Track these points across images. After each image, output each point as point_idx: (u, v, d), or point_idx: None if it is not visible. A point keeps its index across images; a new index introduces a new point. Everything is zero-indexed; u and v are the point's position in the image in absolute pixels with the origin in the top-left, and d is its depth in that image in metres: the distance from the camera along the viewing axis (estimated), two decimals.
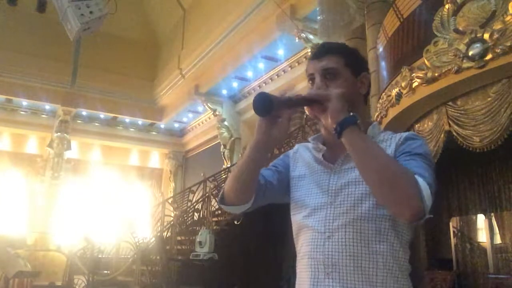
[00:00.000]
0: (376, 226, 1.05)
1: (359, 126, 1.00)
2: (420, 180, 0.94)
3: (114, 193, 13.94)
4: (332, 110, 1.03)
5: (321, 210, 1.12)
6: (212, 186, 8.46)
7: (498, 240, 6.38)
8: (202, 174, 9.20)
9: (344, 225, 1.07)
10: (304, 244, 1.15)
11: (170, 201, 10.07)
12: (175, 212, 9.02)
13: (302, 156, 1.25)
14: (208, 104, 12.12)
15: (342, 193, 1.09)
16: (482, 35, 3.56)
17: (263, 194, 1.19)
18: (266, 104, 0.99)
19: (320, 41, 7.83)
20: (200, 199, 8.21)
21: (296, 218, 1.19)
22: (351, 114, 1.01)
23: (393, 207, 0.97)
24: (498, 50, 3.42)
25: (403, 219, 0.98)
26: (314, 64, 1.18)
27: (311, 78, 1.18)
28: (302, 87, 8.59)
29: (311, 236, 1.12)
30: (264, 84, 10.98)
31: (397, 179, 0.94)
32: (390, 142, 1.11)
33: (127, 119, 14.60)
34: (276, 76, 10.43)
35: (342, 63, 1.15)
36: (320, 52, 1.19)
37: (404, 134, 1.11)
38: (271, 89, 10.60)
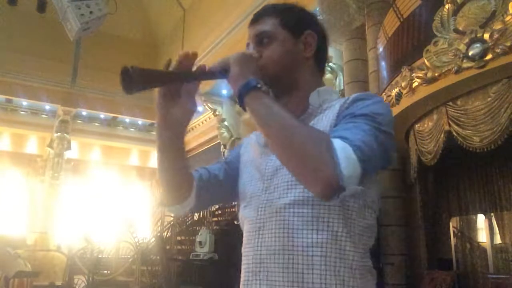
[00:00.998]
0: (313, 211, 0.83)
1: (262, 90, 0.82)
2: (338, 143, 0.74)
3: (114, 193, 13.94)
4: (230, 78, 0.86)
5: (257, 197, 0.94)
6: None
7: (498, 240, 6.37)
8: None
9: (275, 213, 0.88)
10: (243, 240, 0.96)
11: None
12: None
13: (251, 141, 1.06)
14: (208, 104, 12.12)
15: (277, 176, 0.90)
16: (482, 35, 3.56)
17: (207, 189, 1.02)
18: (132, 77, 0.79)
19: None
20: None
21: (240, 210, 1.01)
22: (250, 78, 0.83)
23: (302, 181, 0.77)
24: (498, 50, 3.43)
25: (317, 195, 0.77)
26: (249, 32, 1.01)
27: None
28: None
29: (247, 229, 0.95)
30: None
31: (300, 145, 0.74)
32: (333, 108, 0.91)
33: (127, 119, 14.61)
34: None
35: (277, 23, 0.97)
36: (255, 16, 1.01)
37: (353, 95, 0.90)
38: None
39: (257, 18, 1.00)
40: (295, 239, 0.84)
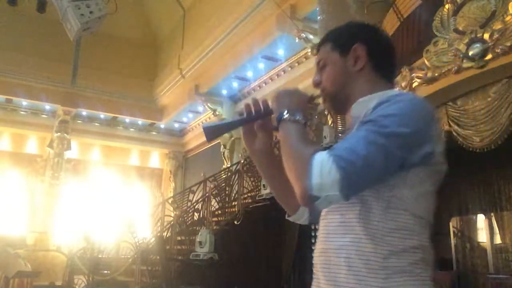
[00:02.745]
0: (341, 217, 0.94)
1: (287, 120, 0.95)
2: (319, 155, 0.83)
3: (114, 193, 13.93)
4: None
5: None
6: (212, 186, 8.46)
7: (498, 240, 6.37)
8: (202, 174, 9.20)
9: (321, 219, 1.02)
10: None
11: (170, 201, 10.07)
12: (175, 212, 9.03)
13: None
14: (208, 104, 12.12)
15: None
16: (482, 35, 3.56)
17: None
18: (212, 133, 1.05)
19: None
20: (200, 199, 8.20)
21: None
22: (280, 112, 0.97)
23: None
24: (498, 50, 3.43)
25: (300, 204, 0.89)
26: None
27: None
28: (303, 87, 8.58)
29: None
30: (264, 84, 10.98)
31: (290, 165, 0.88)
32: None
33: (127, 119, 14.60)
34: (276, 76, 10.43)
35: (329, 48, 1.09)
36: (317, 47, 1.17)
37: (381, 98, 0.93)
38: (271, 89, 10.60)
39: (318, 49, 1.14)
40: (328, 243, 0.96)
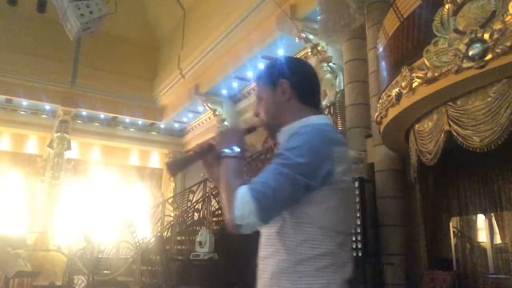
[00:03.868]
0: (267, 232, 1.15)
1: (226, 156, 1.14)
2: (241, 189, 1.00)
3: (114, 193, 13.93)
4: None
5: None
6: (212, 186, 8.46)
7: (498, 240, 6.37)
8: (202, 174, 9.19)
9: (261, 233, 1.22)
10: None
11: (170, 201, 10.07)
12: (175, 212, 9.03)
13: None
14: (208, 104, 12.12)
15: None
16: (482, 35, 3.56)
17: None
18: (173, 169, 1.26)
19: (320, 41, 7.84)
20: (200, 199, 8.21)
21: None
22: (222, 148, 1.16)
23: None
24: (498, 50, 3.42)
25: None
26: None
27: None
28: None
29: None
30: None
31: (223, 197, 1.05)
32: None
33: (127, 119, 14.60)
34: None
35: (261, 84, 1.29)
36: (255, 82, 1.36)
37: (293, 131, 1.14)
38: None
39: (256, 84, 1.34)
40: (261, 253, 1.18)
